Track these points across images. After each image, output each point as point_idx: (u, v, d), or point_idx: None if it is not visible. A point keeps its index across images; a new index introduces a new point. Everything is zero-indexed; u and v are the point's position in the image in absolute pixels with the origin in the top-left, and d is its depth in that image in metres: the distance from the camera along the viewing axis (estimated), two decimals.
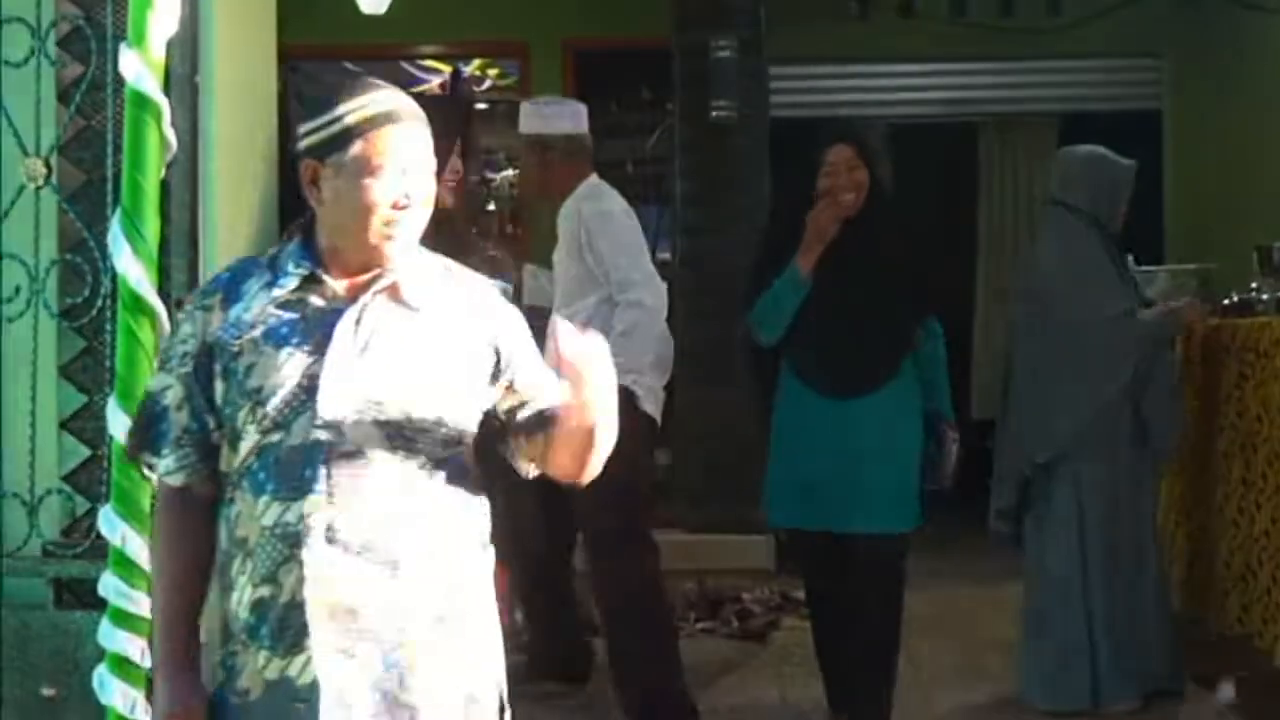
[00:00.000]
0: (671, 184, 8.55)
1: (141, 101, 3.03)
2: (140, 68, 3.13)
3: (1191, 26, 9.37)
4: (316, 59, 10.06)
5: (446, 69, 10.35)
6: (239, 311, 2.49)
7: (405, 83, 10.18)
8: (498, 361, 2.56)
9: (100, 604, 3.11)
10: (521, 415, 2.58)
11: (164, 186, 3.11)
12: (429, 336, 2.50)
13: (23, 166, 3.67)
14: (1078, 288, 5.32)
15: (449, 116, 3.92)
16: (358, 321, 2.47)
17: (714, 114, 8.02)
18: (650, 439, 5.40)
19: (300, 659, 2.41)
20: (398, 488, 2.44)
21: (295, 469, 2.41)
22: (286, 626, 2.41)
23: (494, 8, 9.54)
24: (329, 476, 2.41)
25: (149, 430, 2.53)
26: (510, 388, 2.57)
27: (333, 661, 2.41)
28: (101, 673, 3.10)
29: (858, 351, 4.76)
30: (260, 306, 2.49)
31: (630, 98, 9.91)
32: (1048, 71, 9.79)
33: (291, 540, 2.40)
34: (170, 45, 3.22)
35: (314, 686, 2.41)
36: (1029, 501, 5.46)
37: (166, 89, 3.10)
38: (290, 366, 2.44)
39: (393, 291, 2.51)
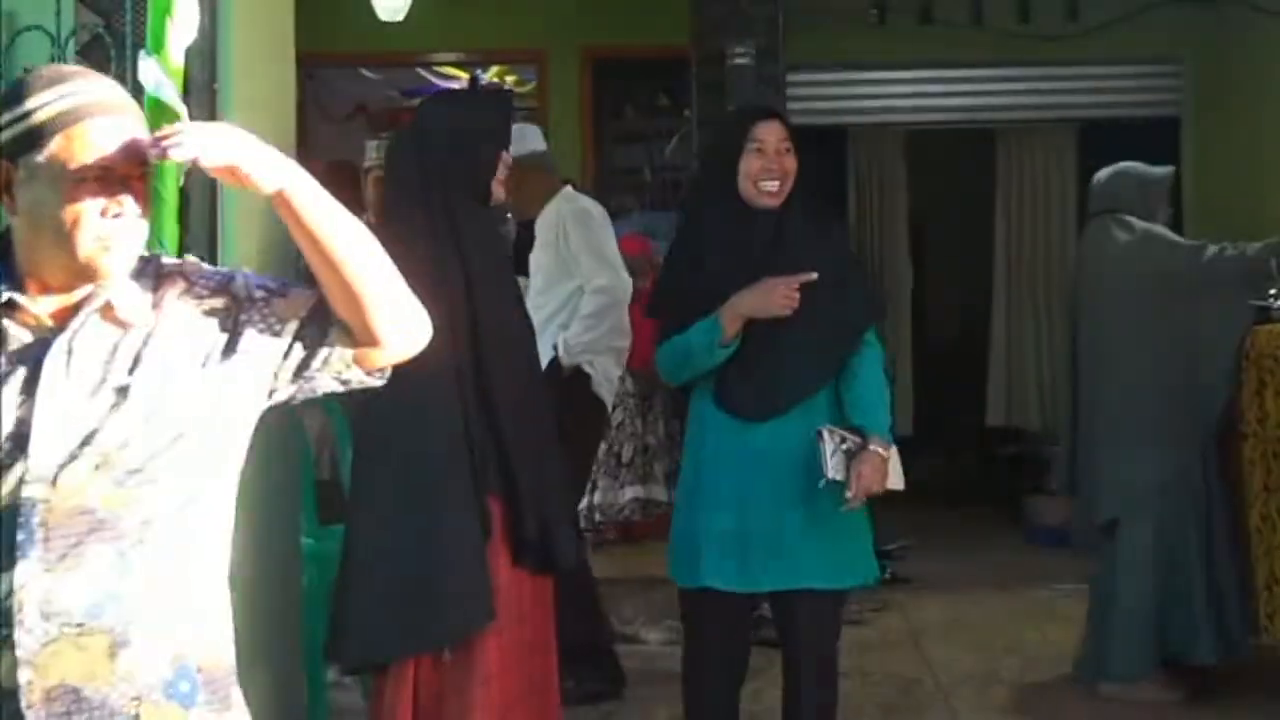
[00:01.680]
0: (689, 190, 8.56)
1: (161, 109, 3.03)
2: (160, 75, 3.13)
3: (1210, 33, 9.34)
4: (335, 66, 10.11)
5: (465, 76, 10.37)
6: None
7: (424, 90, 10.23)
8: (234, 326, 2.19)
9: None
10: (305, 336, 2.21)
11: (183, 195, 3.11)
12: (151, 353, 2.13)
13: None
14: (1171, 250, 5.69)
15: (502, 108, 3.93)
16: (69, 352, 2.10)
17: None
18: (599, 420, 5.81)
19: None
20: (129, 544, 2.07)
21: (5, 533, 2.03)
22: None
23: (512, 15, 9.55)
24: (45, 539, 2.03)
25: None
26: (263, 329, 2.20)
27: None
28: None
29: (785, 361, 3.99)
30: None
31: (648, 104, 9.94)
32: (1066, 78, 9.76)
33: (1, 619, 2.02)
34: (189, 53, 3.22)
35: None
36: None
37: (185, 96, 3.11)
38: None
39: (106, 311, 2.14)
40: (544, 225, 5.74)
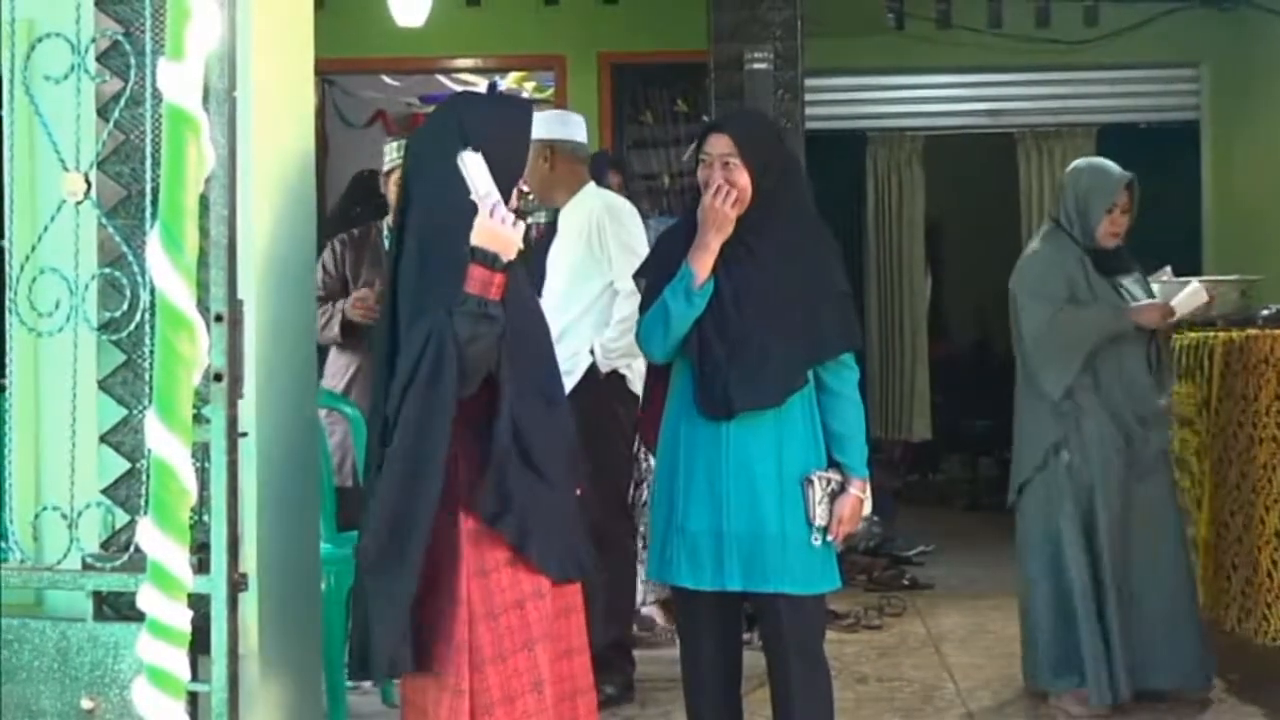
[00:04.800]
0: None
1: (180, 116, 3.03)
2: (179, 82, 3.14)
3: (1229, 37, 9.34)
4: (353, 73, 10.13)
5: (483, 82, 10.38)
6: None
7: (443, 97, 10.25)
8: None
9: (139, 616, 3.11)
10: None
11: (202, 201, 3.12)
12: None
13: (62, 182, 3.69)
14: (1025, 294, 5.52)
15: (530, 117, 3.89)
16: None
17: None
18: (633, 413, 5.67)
19: None
20: None
21: None
22: None
23: (531, 21, 9.57)
24: None
25: None
26: None
27: None
28: (140, 685, 3.11)
29: (755, 360, 3.96)
30: None
31: (666, 110, 9.93)
32: (1085, 82, 9.77)
33: None
34: (209, 60, 3.23)
35: None
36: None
37: (205, 104, 3.12)
38: None
39: None
40: (572, 219, 5.62)
